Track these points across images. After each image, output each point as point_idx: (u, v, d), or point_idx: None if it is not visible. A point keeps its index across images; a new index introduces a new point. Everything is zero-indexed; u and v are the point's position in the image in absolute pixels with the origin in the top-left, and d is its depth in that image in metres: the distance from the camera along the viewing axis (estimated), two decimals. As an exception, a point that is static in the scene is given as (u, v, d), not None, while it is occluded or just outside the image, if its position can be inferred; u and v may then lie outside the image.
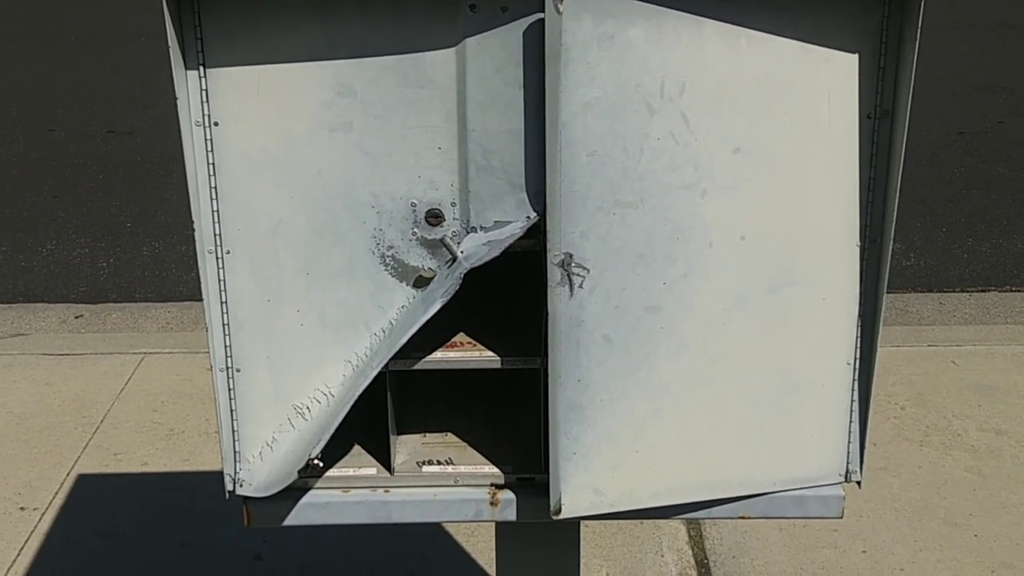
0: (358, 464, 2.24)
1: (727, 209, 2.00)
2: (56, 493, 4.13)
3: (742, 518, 2.24)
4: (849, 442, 2.20)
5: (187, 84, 1.93)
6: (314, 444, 2.06)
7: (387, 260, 2.04)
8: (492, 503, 2.19)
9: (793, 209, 2.03)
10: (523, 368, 2.15)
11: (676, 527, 3.92)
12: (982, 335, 5.39)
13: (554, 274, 1.98)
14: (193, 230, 1.99)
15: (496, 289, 2.33)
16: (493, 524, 2.45)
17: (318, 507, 2.19)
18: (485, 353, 2.16)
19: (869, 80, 1.98)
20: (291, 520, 2.20)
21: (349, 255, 2.04)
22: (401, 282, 2.06)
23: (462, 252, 2.02)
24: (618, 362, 2.05)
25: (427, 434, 2.33)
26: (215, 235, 2.02)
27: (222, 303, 2.06)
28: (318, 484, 2.20)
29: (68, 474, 4.24)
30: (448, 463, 2.24)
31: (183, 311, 5.84)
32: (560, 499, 2.11)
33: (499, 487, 2.21)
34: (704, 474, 2.16)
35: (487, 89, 1.94)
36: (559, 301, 2.00)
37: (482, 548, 3.80)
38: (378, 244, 2.03)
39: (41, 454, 4.38)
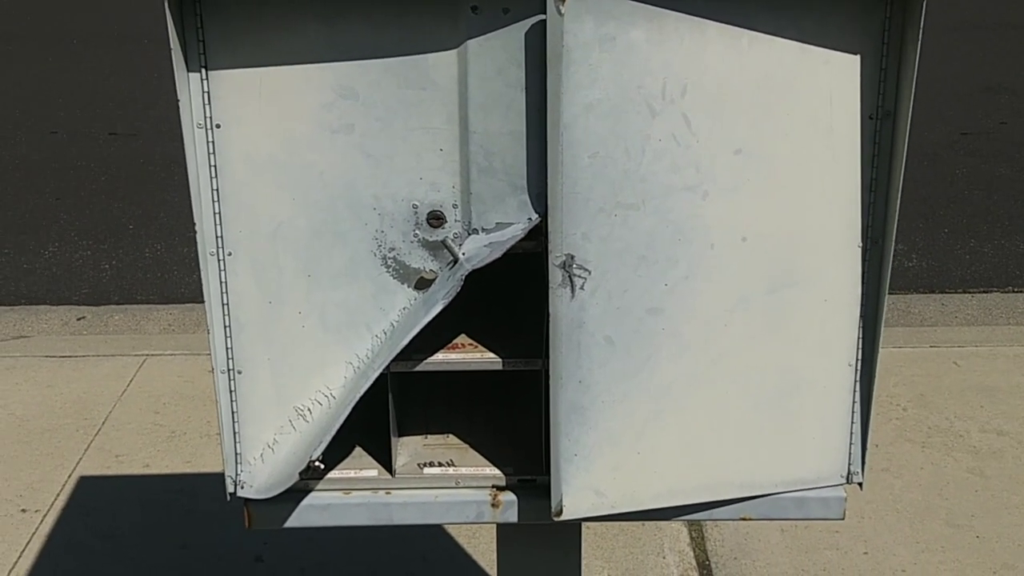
0: (359, 466, 2.24)
1: (729, 210, 2.00)
2: (57, 495, 4.13)
3: (743, 519, 2.24)
4: (851, 443, 2.20)
5: (189, 86, 1.94)
6: (315, 446, 2.06)
7: (388, 262, 2.04)
8: (493, 505, 2.19)
9: (795, 210, 2.03)
10: (524, 370, 2.15)
11: (678, 528, 3.92)
12: (984, 336, 5.38)
13: (555, 275, 1.98)
14: (195, 232, 1.99)
15: (498, 291, 2.33)
16: (494, 526, 2.45)
17: (319, 509, 2.19)
18: (486, 355, 2.16)
19: (871, 81, 1.98)
20: (292, 522, 2.20)
21: (350, 257, 2.04)
22: (402, 284, 2.06)
23: (464, 254, 2.02)
24: (619, 364, 2.05)
25: (428, 436, 2.33)
26: (217, 237, 2.02)
27: (224, 305, 2.06)
28: (319, 486, 2.20)
29: (69, 476, 4.24)
30: (449, 465, 2.24)
31: (185, 313, 5.84)
32: (561, 500, 2.11)
33: (500, 489, 2.21)
34: (705, 475, 2.16)
35: (489, 91, 1.94)
36: (560, 303, 2.00)
37: (483, 550, 3.80)
38: (379, 246, 2.03)
39: (43, 456, 4.38)
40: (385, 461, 2.23)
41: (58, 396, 4.83)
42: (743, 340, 2.08)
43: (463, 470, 2.23)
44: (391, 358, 2.04)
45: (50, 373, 5.03)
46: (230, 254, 2.03)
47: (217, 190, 1.99)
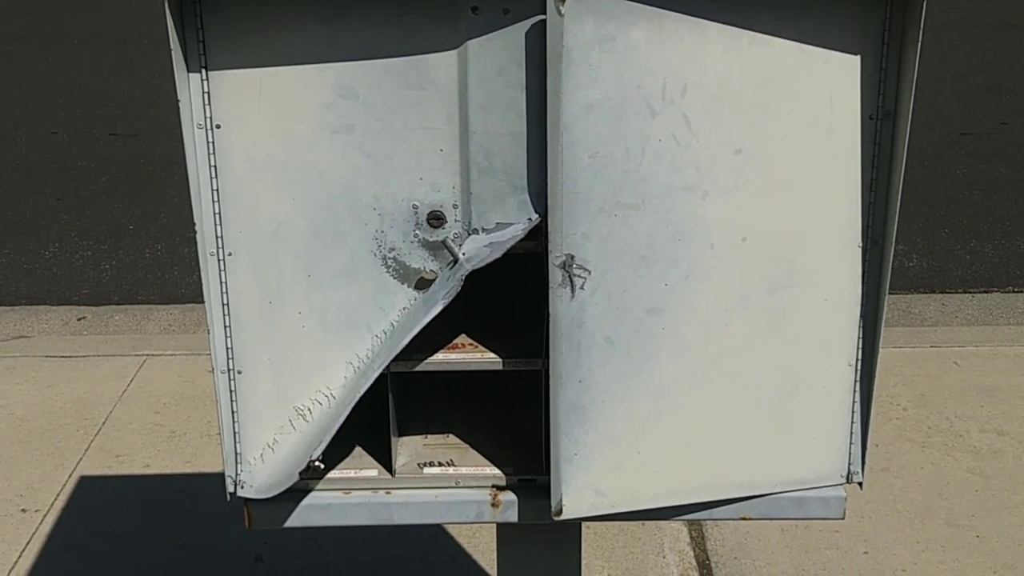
0: (359, 466, 2.24)
1: (729, 210, 2.00)
2: (58, 495, 4.13)
3: (743, 519, 2.24)
4: (851, 443, 2.20)
5: (189, 86, 1.94)
6: (315, 446, 2.06)
7: (388, 262, 2.04)
8: (493, 504, 2.19)
9: (795, 210, 2.03)
10: (524, 370, 2.15)
11: (678, 528, 3.92)
12: (984, 336, 5.38)
13: (555, 275, 1.98)
14: (195, 232, 1.99)
15: (498, 291, 2.33)
16: (494, 525, 2.45)
17: (319, 509, 2.19)
18: (487, 355, 2.16)
19: (871, 81, 1.98)
20: (292, 522, 2.20)
21: (350, 257, 2.04)
22: (403, 284, 2.06)
23: (464, 254, 2.02)
24: (619, 363, 2.05)
25: (428, 436, 2.33)
26: (217, 237, 2.02)
27: (224, 305, 2.06)
28: (319, 486, 2.20)
29: (70, 476, 4.24)
30: (449, 464, 2.24)
31: (185, 313, 5.84)
32: (561, 500, 2.11)
33: (500, 488, 2.21)
34: (705, 475, 2.16)
35: (489, 91, 1.94)
36: (560, 302, 2.00)
37: (483, 549, 3.80)
38: (380, 246, 2.03)
39: (43, 456, 4.38)
40: (385, 461, 2.23)
41: (58, 396, 4.83)
42: (743, 340, 2.08)
43: (463, 470, 2.23)
44: (391, 358, 2.04)
45: (50, 373, 5.03)
46: (230, 254, 2.03)
47: (217, 190, 1.99)
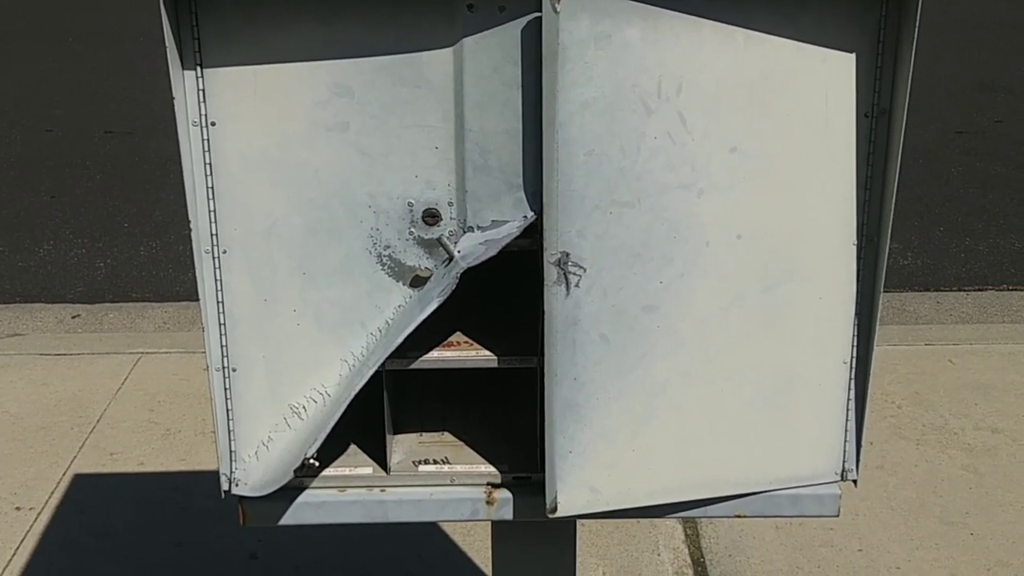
0: (354, 463, 2.24)
1: (724, 208, 2.00)
2: (52, 493, 4.13)
3: (738, 517, 2.24)
4: (845, 440, 2.20)
5: (184, 84, 1.93)
6: (310, 443, 2.06)
7: (384, 259, 2.04)
8: (488, 502, 2.19)
9: (790, 208, 2.03)
10: (520, 367, 2.15)
11: (672, 526, 3.92)
12: (979, 334, 5.39)
13: (551, 273, 1.98)
14: (190, 230, 1.99)
15: (493, 288, 2.33)
16: (489, 523, 2.45)
17: (314, 506, 2.19)
18: (482, 352, 2.16)
19: (867, 79, 1.98)
20: (287, 519, 2.20)
21: (346, 255, 2.03)
22: (398, 281, 2.06)
23: (459, 251, 2.02)
24: (615, 361, 2.05)
25: (423, 433, 2.33)
26: (212, 235, 2.02)
27: (218, 303, 2.06)
28: (314, 483, 2.20)
29: (64, 474, 4.24)
30: (444, 462, 2.24)
31: (180, 311, 5.84)
32: (556, 498, 2.11)
33: (495, 486, 2.21)
34: (700, 473, 2.16)
35: (484, 89, 1.93)
36: (556, 300, 2.00)
37: (478, 547, 3.80)
38: (375, 244, 2.03)
39: (37, 454, 4.38)
40: (380, 459, 2.23)
41: (53, 394, 4.82)
42: (738, 338, 2.09)
43: (458, 467, 2.23)
44: (386, 356, 2.04)
45: (45, 371, 5.02)
46: (225, 252, 2.03)
47: (212, 188, 1.99)
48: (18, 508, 4.04)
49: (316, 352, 2.08)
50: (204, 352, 2.07)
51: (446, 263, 2.03)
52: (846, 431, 2.19)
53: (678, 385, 2.09)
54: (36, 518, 3.98)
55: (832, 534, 3.86)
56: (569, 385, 2.05)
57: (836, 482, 2.23)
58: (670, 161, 1.96)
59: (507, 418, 2.37)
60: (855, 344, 2.14)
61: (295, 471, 2.07)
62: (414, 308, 2.04)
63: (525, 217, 2.01)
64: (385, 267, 2.05)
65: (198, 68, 1.93)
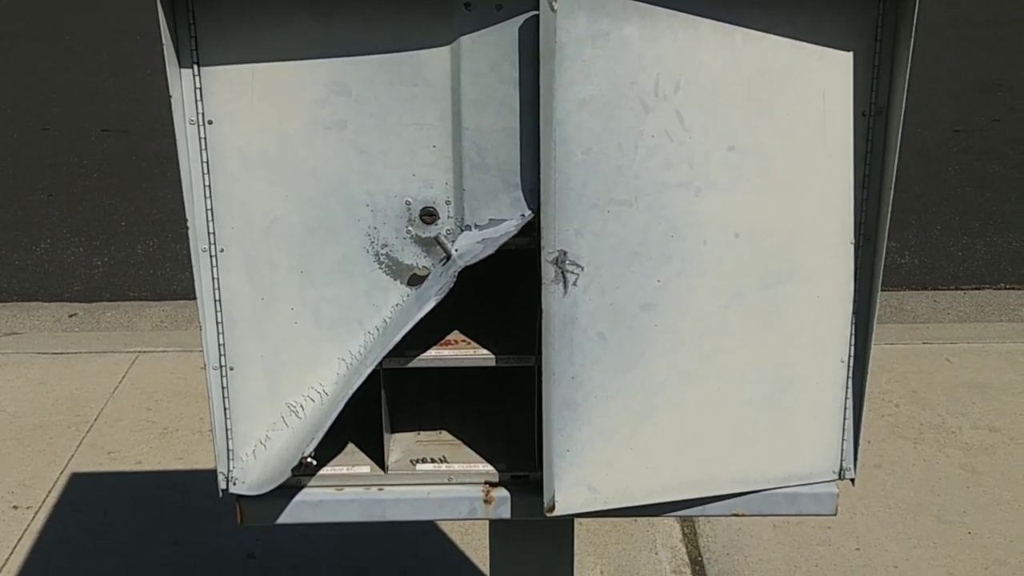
0: (352, 462, 2.24)
1: (722, 207, 2.00)
2: (49, 492, 4.12)
3: (736, 515, 2.24)
4: (843, 439, 2.20)
5: (181, 82, 1.93)
6: (308, 442, 2.06)
7: (381, 258, 2.04)
8: (486, 501, 2.19)
9: (788, 206, 2.03)
10: (517, 366, 2.15)
11: (670, 524, 3.92)
12: (976, 333, 5.40)
13: (548, 272, 1.98)
14: (187, 228, 1.99)
15: (491, 287, 2.33)
16: (487, 522, 2.45)
17: (312, 505, 2.19)
18: (479, 351, 2.15)
19: (864, 78, 1.98)
20: (284, 518, 2.20)
21: (343, 253, 2.03)
22: (395, 280, 2.06)
23: (456, 250, 2.02)
24: (612, 360, 2.05)
25: (421, 432, 2.33)
26: (209, 233, 2.01)
27: (216, 301, 2.05)
28: (312, 482, 2.20)
29: (61, 473, 4.23)
30: (442, 461, 2.24)
31: (177, 310, 5.83)
32: (554, 496, 2.11)
33: (493, 485, 2.20)
34: (698, 471, 2.16)
35: (482, 87, 1.93)
36: (553, 299, 1.99)
37: (476, 546, 3.80)
38: (372, 242, 2.03)
39: (35, 453, 4.37)
40: (378, 457, 2.22)
41: (50, 393, 4.82)
42: (736, 336, 2.09)
43: (456, 466, 2.23)
44: (384, 354, 2.04)
45: (42, 370, 5.02)
46: (222, 250, 2.03)
47: (209, 186, 1.99)
48: (15, 507, 4.04)
49: (314, 351, 2.08)
50: (202, 351, 2.07)
51: (444, 262, 2.03)
52: (844, 430, 2.19)
53: (676, 384, 2.09)
54: (33, 517, 3.98)
55: (830, 533, 3.87)
56: (567, 384, 2.05)
57: (834, 481, 2.23)
58: (668, 159, 1.95)
59: (505, 417, 2.37)
60: (853, 343, 2.14)
61: (293, 470, 2.07)
62: (412, 307, 2.03)
63: (523, 216, 2.01)
64: (383, 266, 2.04)
65: (195, 66, 1.93)
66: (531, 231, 2.02)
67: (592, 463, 2.11)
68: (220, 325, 2.07)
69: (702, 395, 2.11)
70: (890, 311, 5.73)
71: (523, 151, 1.97)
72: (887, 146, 2.01)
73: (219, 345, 2.07)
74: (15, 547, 3.82)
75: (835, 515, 2.27)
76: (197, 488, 4.14)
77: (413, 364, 2.14)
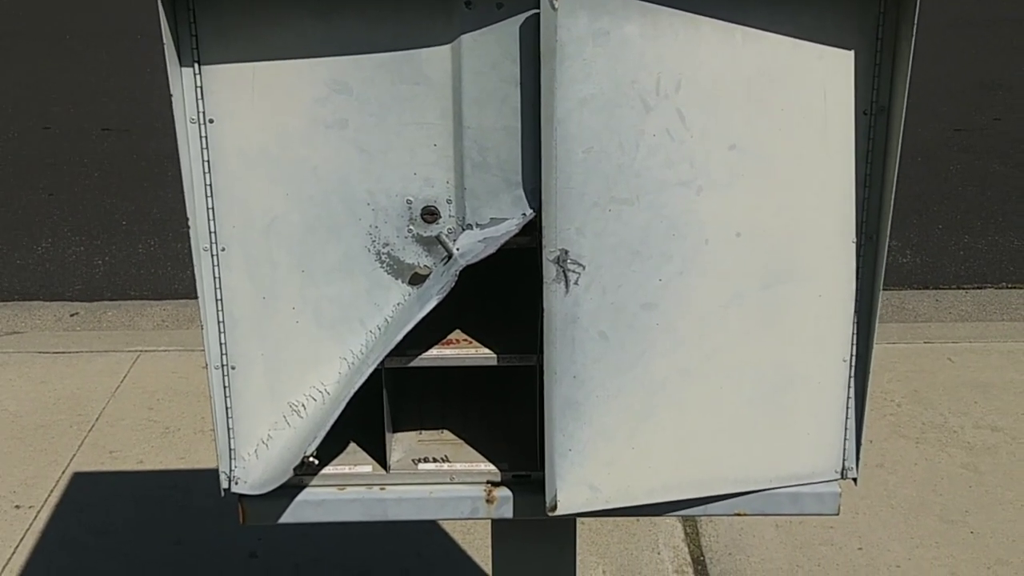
0: (354, 462, 2.24)
1: (723, 206, 2.00)
2: (51, 491, 4.12)
3: (738, 515, 2.24)
4: (845, 439, 2.20)
5: (182, 81, 1.93)
6: (309, 442, 2.06)
7: (382, 257, 2.04)
8: (488, 500, 2.19)
9: (789, 206, 2.03)
10: (519, 365, 2.15)
11: (672, 524, 3.92)
12: (978, 332, 5.39)
13: (550, 271, 1.98)
14: (188, 228, 1.99)
15: (492, 286, 2.33)
16: (489, 521, 2.45)
17: (314, 505, 2.19)
18: (481, 350, 2.15)
19: (865, 76, 1.98)
20: (286, 518, 2.20)
21: (344, 252, 2.03)
22: (397, 279, 2.05)
23: (458, 249, 2.02)
24: (614, 359, 2.05)
25: (423, 431, 2.33)
26: (210, 232, 2.01)
27: (217, 301, 2.05)
28: (314, 482, 2.20)
29: (63, 472, 4.23)
30: (444, 460, 2.24)
31: (178, 309, 5.84)
32: (556, 496, 2.11)
33: (495, 484, 2.20)
34: (700, 471, 2.16)
35: (483, 86, 1.93)
36: (555, 298, 1.99)
37: (478, 545, 3.80)
38: (373, 241, 2.03)
39: (36, 452, 4.37)
40: (380, 457, 2.22)
41: (51, 392, 4.82)
42: (737, 335, 2.08)
43: (458, 466, 2.22)
44: (385, 354, 2.04)
45: (43, 369, 5.02)
46: (223, 249, 2.03)
47: (210, 185, 1.99)
48: (17, 506, 4.04)
49: (315, 350, 2.08)
50: (203, 350, 2.07)
51: (445, 261, 2.03)
52: (846, 429, 2.19)
53: (677, 383, 2.09)
54: (35, 516, 3.98)
55: (832, 532, 3.86)
56: (568, 383, 2.05)
57: (836, 480, 2.23)
58: (669, 158, 1.95)
59: (506, 416, 2.37)
60: (854, 342, 2.14)
61: (295, 469, 2.07)
62: (413, 306, 2.03)
63: (524, 215, 2.01)
64: (384, 265, 2.04)
65: (196, 65, 1.93)
66: (532, 230, 2.02)
67: (594, 462, 2.11)
68: (221, 324, 2.06)
69: (704, 394, 2.11)
70: (892, 310, 5.73)
71: (524, 150, 1.97)
72: (888, 145, 2.01)
73: (221, 344, 2.07)
74: (17, 546, 3.83)
75: (837, 515, 2.27)
76: (199, 487, 4.14)
77: (415, 363, 2.14)
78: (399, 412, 2.34)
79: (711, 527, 3.90)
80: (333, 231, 2.02)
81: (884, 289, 2.12)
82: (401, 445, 2.29)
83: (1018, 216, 6.88)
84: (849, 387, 2.17)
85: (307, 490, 2.19)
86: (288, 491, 2.17)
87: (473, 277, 2.08)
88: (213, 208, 2.00)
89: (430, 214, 2.01)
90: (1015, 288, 6.09)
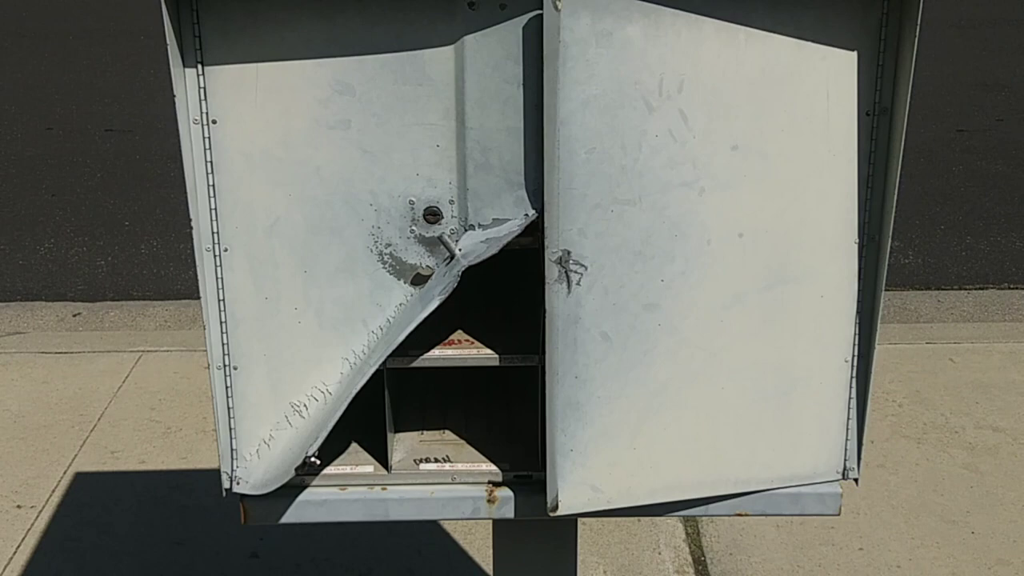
0: (355, 462, 2.24)
1: (725, 206, 2.00)
2: (53, 491, 4.13)
3: (739, 515, 2.24)
4: (847, 439, 2.20)
5: (185, 82, 1.93)
6: (311, 442, 2.06)
7: (385, 258, 2.04)
8: (489, 500, 2.19)
9: (791, 206, 2.03)
10: (521, 366, 2.15)
11: (673, 524, 3.92)
12: (980, 333, 5.39)
13: (552, 271, 1.98)
14: (191, 228, 1.99)
15: (494, 287, 2.33)
16: (490, 521, 2.45)
17: (315, 505, 2.19)
18: (483, 351, 2.15)
19: (868, 77, 1.98)
20: (288, 518, 2.20)
21: (347, 253, 2.03)
22: (399, 280, 2.06)
23: (460, 250, 2.02)
24: (616, 359, 2.05)
25: (425, 432, 2.33)
26: (213, 233, 2.02)
27: (220, 301, 2.05)
28: (315, 482, 2.20)
29: (65, 472, 4.24)
30: (445, 461, 2.24)
31: (181, 309, 5.84)
32: (557, 496, 2.11)
33: (496, 484, 2.20)
34: (701, 471, 2.16)
35: (485, 86, 1.93)
36: (557, 298, 1.99)
37: (479, 545, 3.80)
38: (376, 242, 2.03)
39: (38, 452, 4.38)
40: (381, 457, 2.23)
41: (53, 392, 4.82)
42: (740, 336, 2.08)
43: (459, 466, 2.23)
44: (387, 354, 2.04)
45: (45, 369, 5.02)
46: (226, 250, 2.03)
47: (213, 186, 1.99)
48: (19, 506, 4.05)
49: (317, 350, 2.08)
50: (205, 350, 2.07)
51: (447, 261, 2.03)
52: (847, 429, 2.19)
53: (679, 383, 2.09)
54: (37, 516, 3.98)
55: (833, 533, 3.86)
56: (570, 383, 2.05)
57: (837, 481, 2.23)
58: (671, 159, 1.95)
59: (508, 416, 2.37)
60: (856, 342, 2.14)
61: (296, 469, 2.07)
62: (415, 306, 2.04)
63: (526, 215, 2.01)
64: (386, 265, 2.04)
65: (199, 66, 1.93)
66: (535, 231, 2.02)
67: (595, 463, 2.11)
68: (224, 324, 2.07)
69: (705, 395, 2.11)
70: (894, 311, 5.73)
71: (527, 151, 1.97)
72: (891, 146, 2.01)
73: (223, 344, 2.08)
74: (19, 546, 3.83)
75: (838, 515, 2.27)
76: (200, 488, 4.14)
77: (417, 364, 2.14)
78: (401, 412, 2.34)
79: (712, 527, 3.90)
80: (336, 232, 2.02)
81: (886, 290, 2.13)
82: (403, 445, 2.29)
83: (1020, 217, 6.88)
84: (851, 387, 2.17)
85: (309, 490, 2.20)
86: (290, 491, 2.17)
87: (475, 278, 2.08)
88: (216, 208, 2.00)
89: (432, 215, 2.01)
90: (1017, 289, 6.08)
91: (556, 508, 2.12)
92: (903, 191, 2.18)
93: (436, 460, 2.24)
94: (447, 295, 1.99)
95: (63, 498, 4.08)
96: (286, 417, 2.12)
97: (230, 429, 2.12)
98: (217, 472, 2.15)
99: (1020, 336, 5.34)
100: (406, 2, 1.90)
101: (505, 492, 2.20)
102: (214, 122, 1.96)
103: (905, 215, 6.65)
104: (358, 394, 2.04)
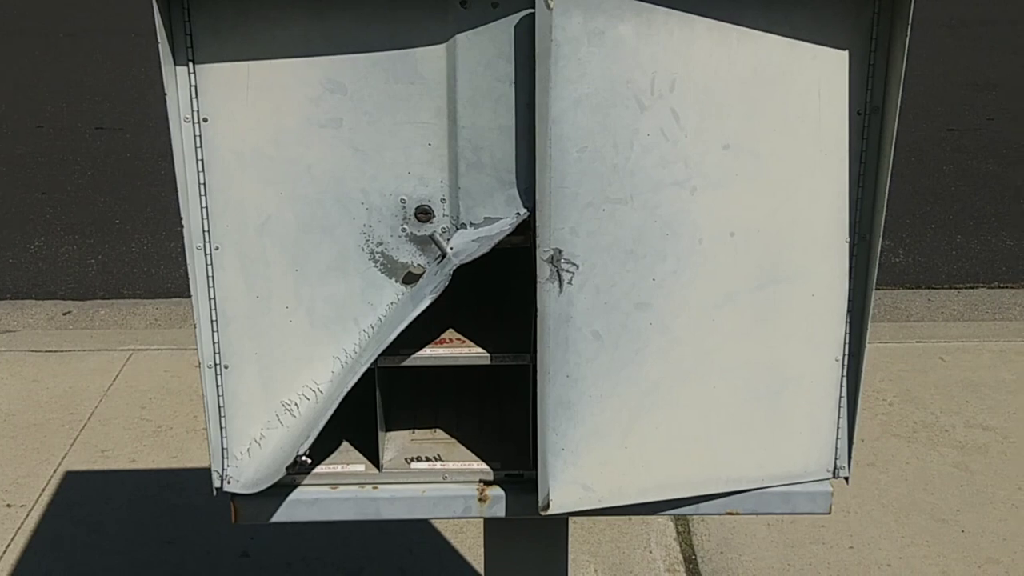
0: (346, 460, 2.24)
1: (717, 205, 2.00)
2: (43, 490, 4.12)
3: (730, 514, 2.24)
4: (837, 438, 2.20)
5: (176, 80, 1.93)
6: (302, 441, 2.06)
7: (376, 256, 2.04)
8: (481, 499, 2.19)
9: (783, 205, 2.03)
10: (512, 364, 2.15)
11: (664, 523, 3.93)
12: (970, 331, 5.41)
13: (543, 270, 1.98)
14: (182, 226, 1.99)
15: (486, 286, 2.33)
16: (481, 520, 2.45)
17: (306, 504, 2.19)
18: (474, 349, 2.15)
19: (859, 76, 1.98)
20: (279, 517, 2.20)
21: (338, 251, 2.03)
22: (390, 278, 2.05)
23: (452, 248, 2.02)
24: (607, 358, 2.05)
25: (416, 431, 2.33)
26: (204, 231, 2.01)
27: (210, 299, 2.05)
28: (306, 481, 2.20)
29: (55, 471, 4.23)
30: (437, 459, 2.24)
31: (171, 308, 5.83)
32: (548, 495, 2.11)
33: (488, 483, 2.20)
34: (692, 470, 2.17)
35: (477, 85, 1.93)
36: (548, 297, 1.99)
37: (470, 544, 3.80)
38: (367, 240, 2.03)
39: (28, 451, 4.37)
40: (372, 456, 2.22)
41: (44, 391, 4.81)
42: (731, 335, 2.09)
43: (450, 465, 2.22)
44: (379, 353, 2.04)
45: (35, 368, 5.01)
46: (217, 248, 2.02)
47: (204, 184, 1.99)
48: (9, 505, 4.04)
49: (309, 349, 2.08)
50: (196, 349, 2.07)
51: (439, 260, 2.03)
52: (838, 428, 2.20)
53: (670, 382, 2.09)
54: (27, 515, 3.97)
55: (823, 531, 3.87)
56: (561, 382, 2.05)
57: (828, 479, 2.23)
58: (663, 158, 1.96)
59: (500, 415, 2.37)
60: (847, 341, 2.14)
61: (287, 468, 2.07)
62: (407, 305, 2.03)
63: (518, 214, 2.01)
64: (378, 264, 2.04)
65: (190, 64, 1.92)
66: (526, 229, 2.02)
67: (586, 462, 2.11)
68: (215, 323, 2.06)
69: (696, 394, 2.11)
70: (884, 310, 5.74)
71: (519, 149, 1.97)
72: (882, 145, 2.01)
73: (214, 343, 2.07)
74: (8, 545, 3.82)
75: (829, 513, 2.27)
76: (191, 486, 4.14)
77: (408, 362, 2.14)
78: (392, 411, 2.34)
79: (703, 526, 3.91)
80: (327, 230, 2.02)
81: (877, 288, 2.13)
82: (394, 444, 2.29)
83: (1011, 216, 6.90)
84: (841, 386, 2.17)
85: (299, 489, 2.19)
86: (280, 490, 2.17)
87: (467, 276, 2.08)
88: (207, 207, 2.00)
89: (424, 213, 2.01)
90: (1007, 288, 6.10)
91: (547, 507, 2.12)
92: (894, 190, 2.18)
93: (427, 459, 2.24)
94: (438, 294, 1.99)
95: (53, 497, 4.07)
96: (277, 416, 2.12)
97: (221, 428, 2.12)
98: (208, 471, 2.14)
99: (1010, 335, 5.35)
100: (398, 0, 1.89)
101: (496, 491, 2.20)
102: (205, 120, 1.95)
103: (896, 214, 6.67)
104: (349, 393, 2.04)
